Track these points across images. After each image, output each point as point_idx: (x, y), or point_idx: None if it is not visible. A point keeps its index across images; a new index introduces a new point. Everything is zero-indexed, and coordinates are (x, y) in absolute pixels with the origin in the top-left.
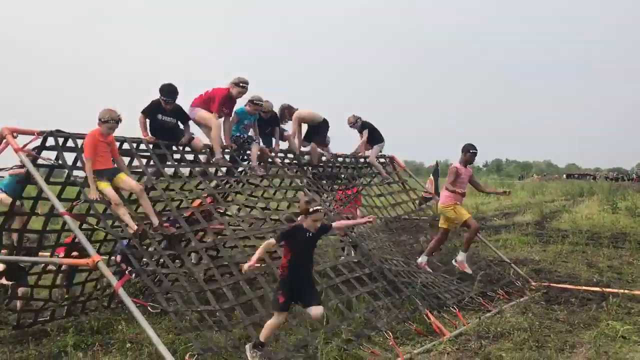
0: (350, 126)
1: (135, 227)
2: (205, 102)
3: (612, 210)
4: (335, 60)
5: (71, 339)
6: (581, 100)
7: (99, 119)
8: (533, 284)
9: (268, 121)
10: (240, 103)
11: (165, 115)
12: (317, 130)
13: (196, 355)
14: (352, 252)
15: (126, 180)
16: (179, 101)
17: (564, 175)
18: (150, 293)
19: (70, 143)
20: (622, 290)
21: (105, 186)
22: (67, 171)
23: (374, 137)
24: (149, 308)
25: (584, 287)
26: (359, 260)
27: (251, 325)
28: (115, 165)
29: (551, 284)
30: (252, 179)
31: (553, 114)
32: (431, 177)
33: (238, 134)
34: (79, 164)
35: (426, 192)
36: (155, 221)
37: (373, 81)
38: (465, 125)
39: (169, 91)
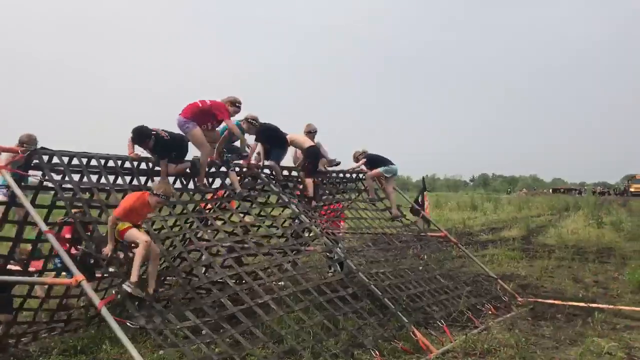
0: (355, 161)
1: (137, 279)
2: (202, 114)
3: (598, 225)
4: (314, 72)
5: (55, 359)
6: (565, 115)
7: (152, 191)
8: (519, 299)
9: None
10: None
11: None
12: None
13: None
14: (339, 269)
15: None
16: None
17: (550, 190)
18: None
19: (55, 160)
20: (607, 306)
21: (128, 225)
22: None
23: (376, 163)
24: (128, 324)
25: (569, 303)
26: (342, 279)
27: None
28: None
29: (537, 300)
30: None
31: (538, 128)
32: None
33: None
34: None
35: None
36: (152, 290)
37: (356, 93)
38: (451, 140)
39: (136, 137)
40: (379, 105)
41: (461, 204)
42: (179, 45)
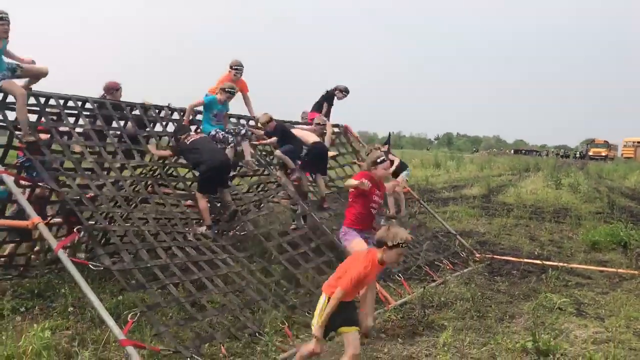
0: None
1: None
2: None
3: (556, 186)
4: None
5: (9, 302)
6: (530, 78)
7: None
8: (477, 255)
9: None
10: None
11: None
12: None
13: (138, 314)
14: (302, 222)
15: None
16: None
17: (512, 151)
18: (94, 254)
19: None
20: (560, 264)
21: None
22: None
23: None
24: (90, 266)
25: (525, 260)
26: (306, 233)
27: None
28: None
29: (494, 256)
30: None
31: (503, 90)
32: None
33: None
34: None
35: None
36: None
37: (327, 44)
38: (417, 98)
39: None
40: (346, 58)
41: (425, 161)
42: None
